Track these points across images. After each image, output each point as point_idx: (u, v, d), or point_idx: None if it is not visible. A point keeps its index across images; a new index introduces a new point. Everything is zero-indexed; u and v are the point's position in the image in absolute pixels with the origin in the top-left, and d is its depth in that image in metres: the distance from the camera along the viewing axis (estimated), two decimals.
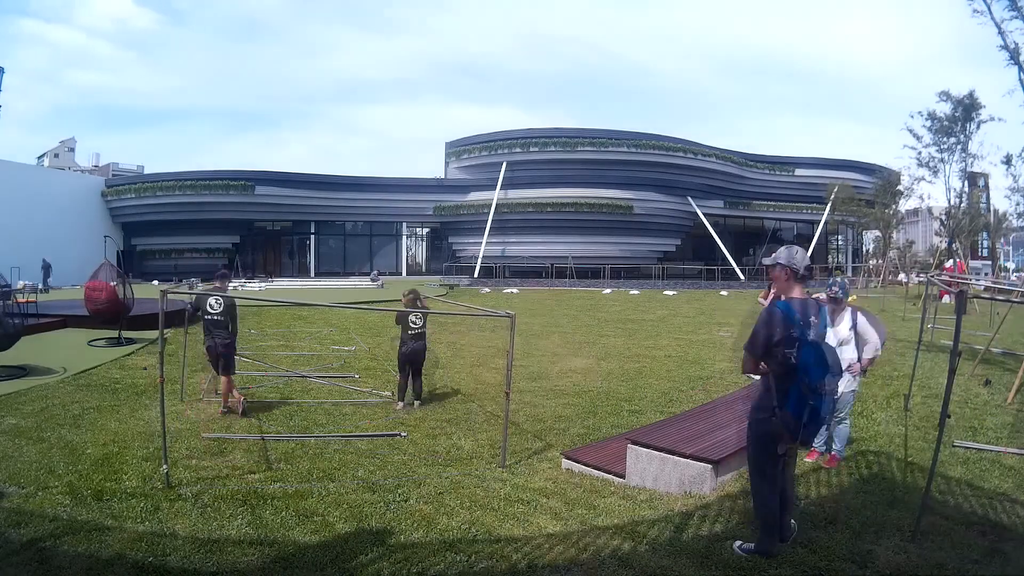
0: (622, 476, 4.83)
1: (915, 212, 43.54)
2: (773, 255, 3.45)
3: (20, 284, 19.75)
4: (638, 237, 37.23)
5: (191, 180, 35.89)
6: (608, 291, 30.59)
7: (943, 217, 33.37)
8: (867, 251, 50.68)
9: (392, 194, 38.08)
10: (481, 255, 35.16)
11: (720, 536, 3.77)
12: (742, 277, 36.47)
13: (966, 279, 11.05)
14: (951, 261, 24.75)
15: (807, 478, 4.76)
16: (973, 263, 36.06)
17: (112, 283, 10.78)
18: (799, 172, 41.89)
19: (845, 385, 4.86)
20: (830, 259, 47.26)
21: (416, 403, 7.25)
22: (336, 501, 4.28)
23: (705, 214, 37.88)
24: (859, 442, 5.63)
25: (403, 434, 5.99)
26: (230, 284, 9.38)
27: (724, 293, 28.95)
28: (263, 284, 28.41)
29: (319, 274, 37.74)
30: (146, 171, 60.33)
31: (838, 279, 5.38)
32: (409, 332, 7.21)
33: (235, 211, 36.10)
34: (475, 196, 37.53)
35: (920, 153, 30.96)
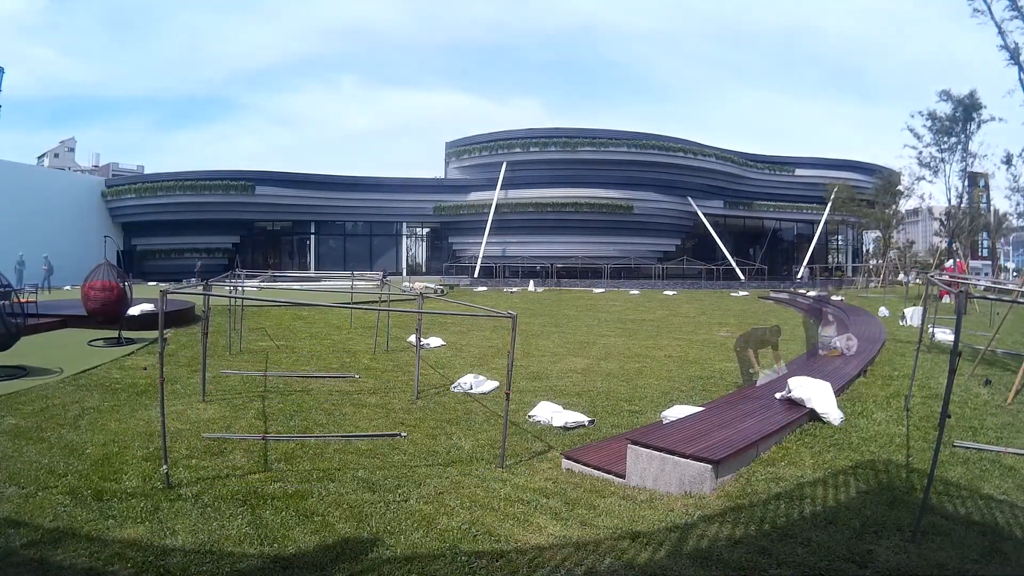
0: (622, 476, 4.83)
1: (915, 212, 43.54)
2: None
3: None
4: (638, 237, 37.25)
5: (191, 180, 35.92)
6: (600, 291, 30.62)
7: (943, 217, 33.40)
8: (867, 251, 50.74)
9: (392, 194, 38.11)
10: (481, 255, 35.19)
11: (720, 536, 3.77)
12: (742, 277, 36.48)
13: (966, 279, 11.04)
14: (951, 261, 24.76)
15: (807, 477, 4.76)
16: (973, 263, 36.05)
17: (121, 282, 10.81)
18: (799, 172, 41.92)
19: None
20: (830, 259, 47.29)
21: None
22: (336, 501, 4.28)
23: (705, 214, 37.90)
24: (859, 442, 5.63)
25: (403, 434, 5.99)
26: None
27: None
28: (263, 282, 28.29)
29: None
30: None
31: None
32: None
33: (235, 211, 36.12)
34: (475, 196, 37.55)
35: (921, 153, 31.02)
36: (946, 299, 16.74)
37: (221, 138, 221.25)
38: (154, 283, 28.13)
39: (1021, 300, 10.98)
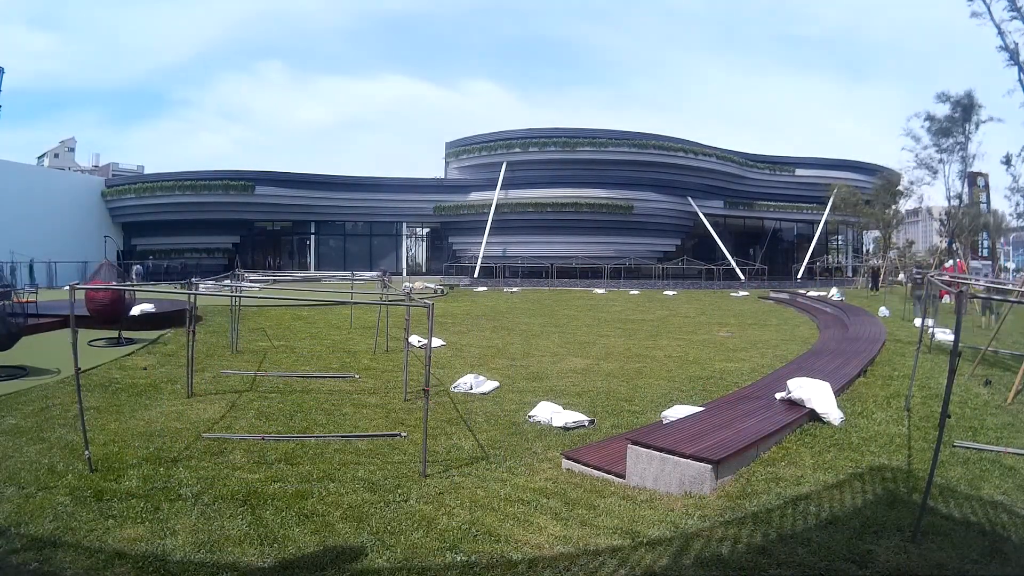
0: (622, 476, 4.83)
1: (915, 212, 43.56)
2: None
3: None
4: (638, 237, 37.27)
5: (191, 180, 35.94)
6: (601, 291, 30.62)
7: (943, 217, 33.40)
8: (867, 251, 50.74)
9: (392, 194, 38.14)
10: (481, 255, 35.20)
11: (720, 536, 3.77)
12: (742, 277, 36.48)
13: (966, 279, 11.04)
14: (951, 261, 24.76)
15: (807, 477, 4.76)
16: (973, 263, 36.04)
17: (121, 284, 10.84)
18: (799, 172, 41.96)
19: None
20: (830, 259, 47.29)
21: None
22: (336, 501, 4.28)
23: (705, 214, 37.91)
24: (859, 442, 5.63)
25: (403, 434, 5.99)
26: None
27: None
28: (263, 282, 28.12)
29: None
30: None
31: None
32: None
33: (235, 211, 36.14)
34: (475, 196, 37.58)
35: (919, 154, 31.04)
36: (946, 299, 16.74)
37: (170, 135, 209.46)
38: (154, 283, 28.10)
39: (1022, 300, 10.97)
